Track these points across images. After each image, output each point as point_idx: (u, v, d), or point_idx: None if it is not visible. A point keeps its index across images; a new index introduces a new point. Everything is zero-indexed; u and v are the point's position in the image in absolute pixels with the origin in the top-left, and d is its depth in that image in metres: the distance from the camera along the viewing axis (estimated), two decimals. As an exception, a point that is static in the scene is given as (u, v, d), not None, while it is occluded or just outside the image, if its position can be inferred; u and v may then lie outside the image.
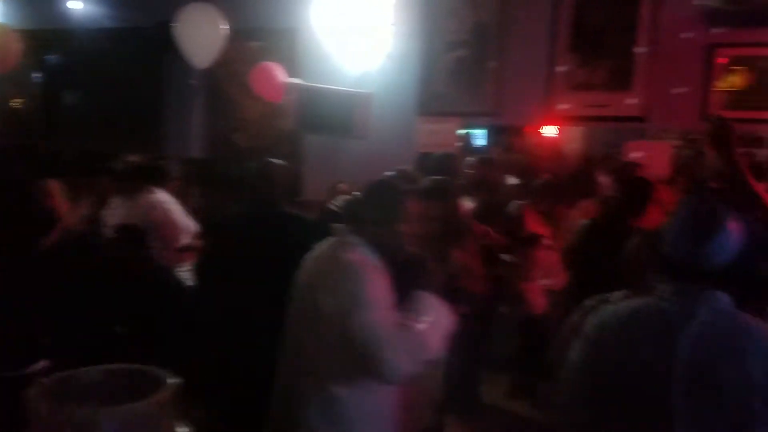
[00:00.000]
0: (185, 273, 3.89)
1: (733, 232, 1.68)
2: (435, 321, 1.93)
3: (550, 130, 6.40)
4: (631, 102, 4.09)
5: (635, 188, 3.62)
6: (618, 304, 1.84)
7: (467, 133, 6.31)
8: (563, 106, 4.25)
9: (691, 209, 1.71)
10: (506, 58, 4.33)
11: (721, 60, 3.97)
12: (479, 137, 7.08)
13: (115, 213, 4.10)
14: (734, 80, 3.99)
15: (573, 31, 4.16)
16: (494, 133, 6.82)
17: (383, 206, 2.01)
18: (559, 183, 4.78)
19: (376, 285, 1.84)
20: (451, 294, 2.68)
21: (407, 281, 2.03)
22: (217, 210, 4.00)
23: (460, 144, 5.43)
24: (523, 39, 4.31)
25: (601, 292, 2.30)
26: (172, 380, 1.27)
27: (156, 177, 4.13)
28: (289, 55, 4.67)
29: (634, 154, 4.27)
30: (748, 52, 3.92)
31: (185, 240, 4.00)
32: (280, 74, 4.48)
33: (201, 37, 4.49)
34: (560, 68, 4.22)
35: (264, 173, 2.86)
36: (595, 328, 1.78)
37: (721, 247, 1.67)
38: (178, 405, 1.27)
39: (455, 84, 4.47)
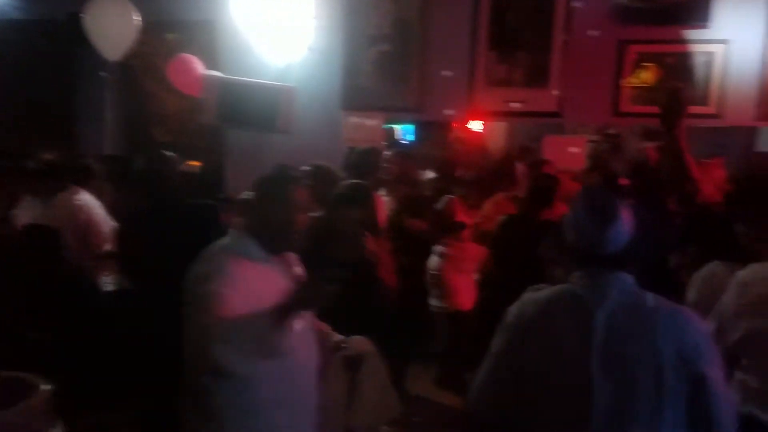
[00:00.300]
0: (107, 278, 3.74)
1: (628, 218, 1.78)
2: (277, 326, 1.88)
3: (476, 125, 6.52)
4: (547, 98, 4.18)
5: (541, 184, 3.79)
6: (537, 292, 1.89)
7: (392, 127, 6.36)
8: (485, 102, 4.30)
9: (590, 198, 1.81)
10: (429, 54, 4.35)
11: (632, 56, 4.10)
12: (408, 132, 7.15)
13: (29, 214, 3.89)
14: (645, 76, 4.12)
15: (492, 29, 4.21)
16: (423, 128, 6.91)
17: (266, 198, 2.00)
18: (485, 177, 4.90)
19: (230, 278, 1.84)
20: (367, 289, 2.69)
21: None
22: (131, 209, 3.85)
23: (386, 139, 5.46)
24: (445, 35, 4.34)
25: (520, 285, 2.36)
26: (45, 387, 1.21)
27: (80, 176, 3.94)
28: (209, 48, 4.55)
29: (550, 149, 4.38)
30: (656, 49, 4.06)
31: (108, 245, 3.84)
32: (199, 67, 4.36)
33: (113, 29, 4.32)
34: (481, 65, 4.26)
35: (151, 168, 2.82)
36: (515, 315, 1.85)
37: (620, 232, 1.77)
38: (51, 411, 1.21)
39: (379, 79, 4.45)
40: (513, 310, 1.87)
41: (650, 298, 1.78)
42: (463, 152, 5.47)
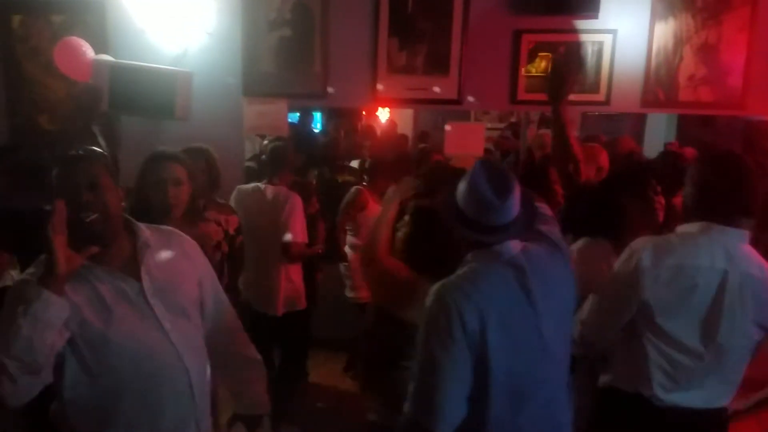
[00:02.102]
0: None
1: (518, 191, 1.90)
2: None
3: (384, 114, 6.56)
4: (447, 86, 4.24)
5: (436, 174, 3.83)
6: (461, 283, 1.89)
7: (300, 115, 6.29)
8: (387, 89, 4.31)
9: (489, 170, 1.86)
10: (330, 40, 4.32)
11: (527, 46, 4.21)
12: (316, 120, 7.09)
13: None
14: (541, 65, 4.24)
15: (391, 15, 4.23)
16: (331, 116, 6.86)
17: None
18: (386, 163, 4.93)
19: None
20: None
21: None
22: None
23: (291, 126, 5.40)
24: (346, 22, 4.32)
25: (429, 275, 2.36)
26: None
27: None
28: (98, 30, 4.31)
29: (451, 135, 4.45)
30: (549, 38, 4.19)
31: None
32: (87, 50, 4.14)
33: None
34: (382, 52, 4.27)
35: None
36: (460, 316, 1.80)
37: (515, 203, 1.86)
38: None
39: (281, 64, 4.38)
40: (452, 313, 1.78)
41: (537, 250, 1.94)
42: (367, 139, 5.49)
